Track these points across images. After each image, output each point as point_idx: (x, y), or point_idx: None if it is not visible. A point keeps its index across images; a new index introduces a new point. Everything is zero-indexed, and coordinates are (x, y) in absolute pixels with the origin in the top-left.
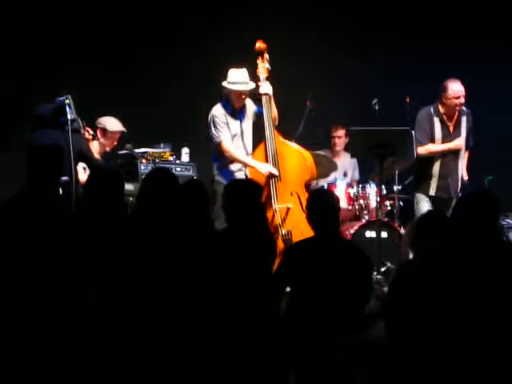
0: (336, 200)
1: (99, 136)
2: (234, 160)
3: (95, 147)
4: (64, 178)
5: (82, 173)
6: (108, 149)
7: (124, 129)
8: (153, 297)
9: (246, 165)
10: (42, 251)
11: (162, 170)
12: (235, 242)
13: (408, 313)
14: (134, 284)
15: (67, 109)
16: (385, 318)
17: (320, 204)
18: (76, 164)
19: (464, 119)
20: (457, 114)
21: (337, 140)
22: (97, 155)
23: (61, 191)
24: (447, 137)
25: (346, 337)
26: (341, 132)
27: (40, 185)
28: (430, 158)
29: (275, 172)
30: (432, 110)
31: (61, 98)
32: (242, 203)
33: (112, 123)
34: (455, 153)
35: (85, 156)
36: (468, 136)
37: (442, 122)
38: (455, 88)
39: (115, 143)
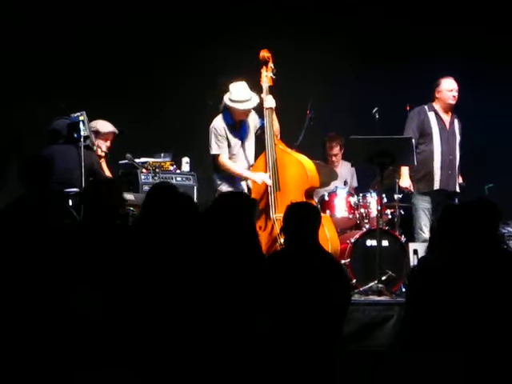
0: (314, 215)
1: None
2: (229, 173)
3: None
4: (74, 190)
5: None
6: (105, 149)
7: (115, 129)
8: (148, 309)
9: (241, 176)
10: (36, 259)
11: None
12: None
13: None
14: (128, 296)
15: (81, 125)
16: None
17: (292, 218)
18: (87, 179)
19: (456, 121)
20: (450, 114)
21: (333, 158)
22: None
23: (71, 202)
24: (444, 131)
25: (348, 346)
26: (336, 149)
27: (33, 194)
28: (429, 154)
29: (269, 182)
30: (426, 106)
31: (75, 115)
32: (231, 217)
33: (103, 125)
34: (452, 148)
35: (95, 172)
36: (461, 141)
37: (437, 115)
38: (448, 81)
39: (108, 145)
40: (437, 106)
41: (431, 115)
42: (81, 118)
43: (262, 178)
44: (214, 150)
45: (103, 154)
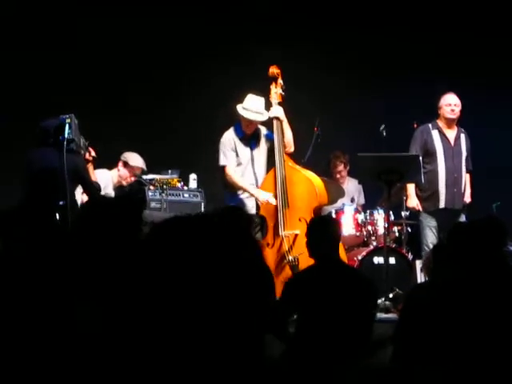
0: (336, 227)
1: (119, 167)
2: (233, 185)
3: (113, 178)
4: (61, 203)
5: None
6: (125, 182)
7: (144, 167)
8: (147, 326)
9: (245, 191)
10: (36, 276)
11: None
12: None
13: (418, 340)
14: (129, 312)
15: (66, 128)
16: (395, 344)
17: (320, 232)
18: (72, 184)
19: (463, 137)
20: (456, 129)
21: (338, 175)
22: (110, 187)
23: (57, 216)
24: (448, 149)
25: (354, 363)
26: (340, 167)
27: (35, 207)
28: (434, 173)
29: (273, 201)
30: (430, 124)
31: (63, 116)
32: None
33: (134, 158)
34: (457, 165)
35: (79, 175)
36: (468, 156)
37: (440, 133)
38: (447, 96)
39: (133, 178)
40: (440, 122)
41: (435, 133)
42: (68, 120)
43: (266, 197)
44: (220, 161)
45: (91, 159)
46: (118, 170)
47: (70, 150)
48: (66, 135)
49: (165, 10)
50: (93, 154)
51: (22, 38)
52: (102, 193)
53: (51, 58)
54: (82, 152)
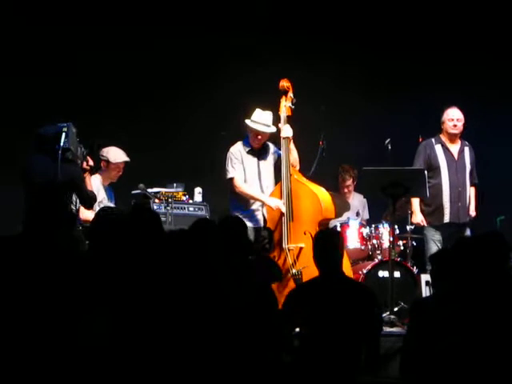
0: (339, 240)
1: (103, 168)
2: (244, 196)
3: (101, 180)
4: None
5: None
6: (114, 180)
7: (127, 158)
8: (155, 335)
9: (255, 200)
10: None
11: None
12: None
13: (426, 352)
14: (137, 321)
15: (63, 136)
16: (403, 357)
17: (322, 245)
18: (68, 194)
19: (467, 150)
20: (459, 143)
21: (346, 189)
22: (102, 191)
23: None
24: (452, 163)
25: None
26: (349, 181)
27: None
28: (438, 187)
29: (283, 208)
30: (433, 139)
31: (60, 125)
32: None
33: (114, 154)
34: (461, 179)
35: (75, 185)
36: (472, 170)
37: (444, 148)
38: (449, 111)
39: (120, 173)
40: (443, 137)
41: (438, 148)
42: (64, 129)
43: (277, 203)
44: (229, 174)
45: (88, 168)
46: (104, 171)
47: (66, 160)
48: (62, 144)
49: (169, 21)
50: (90, 163)
51: (22, 44)
52: (99, 200)
53: (56, 71)
54: (79, 161)
